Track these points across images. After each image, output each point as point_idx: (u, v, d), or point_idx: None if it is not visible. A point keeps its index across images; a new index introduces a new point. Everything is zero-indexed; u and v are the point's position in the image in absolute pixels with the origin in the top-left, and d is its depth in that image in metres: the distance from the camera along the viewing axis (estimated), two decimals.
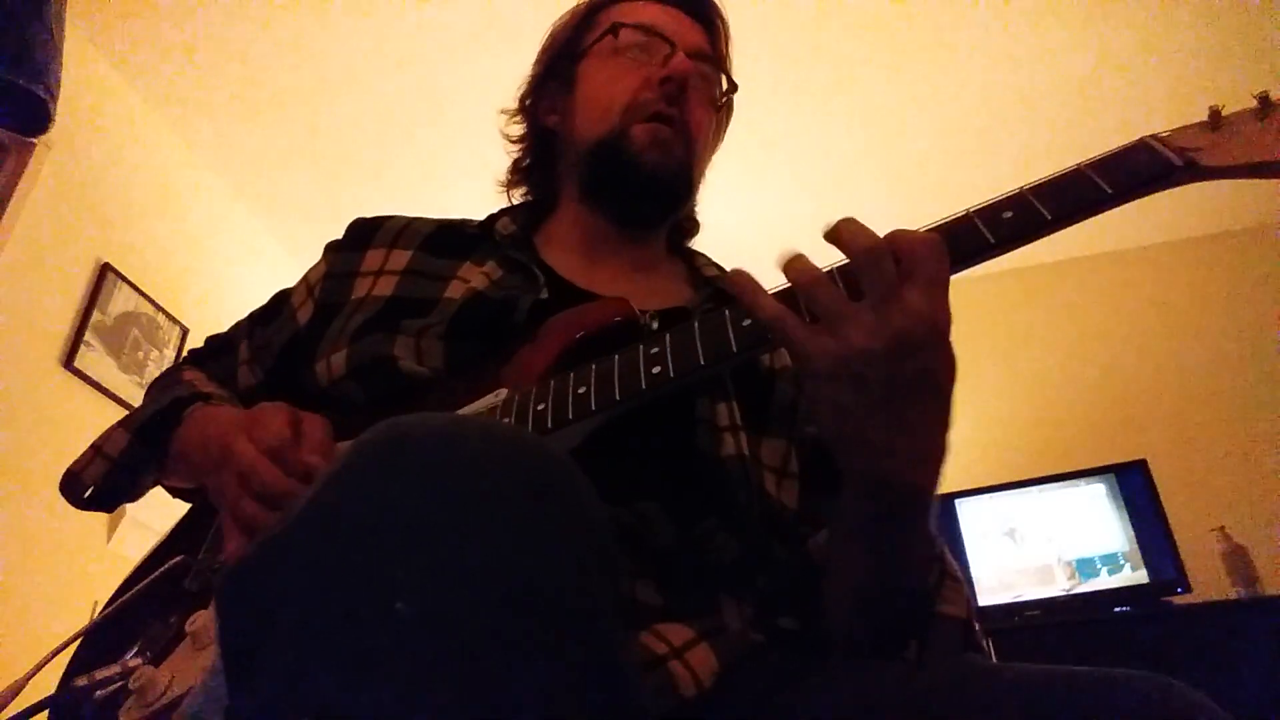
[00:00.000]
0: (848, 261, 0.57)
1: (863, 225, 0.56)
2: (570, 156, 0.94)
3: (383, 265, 0.91)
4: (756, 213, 3.29)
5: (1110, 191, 0.57)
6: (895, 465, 0.57)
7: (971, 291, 3.65)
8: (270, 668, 0.38)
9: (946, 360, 0.56)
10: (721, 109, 0.99)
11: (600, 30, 0.94)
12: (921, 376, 0.55)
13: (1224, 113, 0.55)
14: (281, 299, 0.98)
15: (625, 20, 0.93)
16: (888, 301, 0.54)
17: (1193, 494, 3.05)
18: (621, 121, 0.88)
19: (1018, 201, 0.60)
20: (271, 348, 0.94)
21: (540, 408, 0.68)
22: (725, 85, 0.97)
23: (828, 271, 0.58)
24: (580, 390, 0.66)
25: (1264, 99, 0.54)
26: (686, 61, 0.88)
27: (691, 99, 0.90)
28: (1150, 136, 0.59)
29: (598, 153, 0.90)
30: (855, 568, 0.66)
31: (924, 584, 0.67)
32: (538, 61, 1.01)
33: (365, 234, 0.95)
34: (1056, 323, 3.64)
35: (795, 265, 0.58)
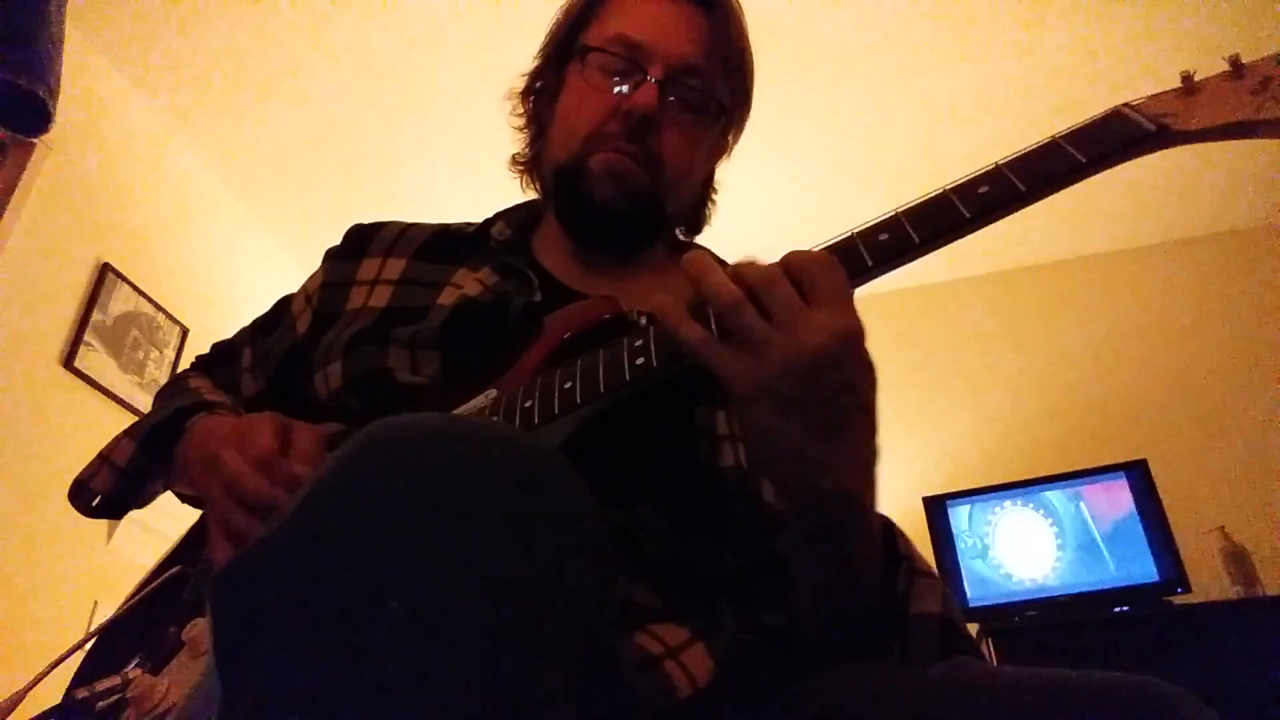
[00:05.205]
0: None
1: (752, 264, 0.58)
2: (546, 171, 0.93)
3: (378, 275, 0.90)
4: (755, 208, 3.29)
5: (1084, 160, 0.57)
6: (830, 478, 0.58)
7: (972, 292, 3.66)
8: (262, 668, 0.38)
9: (865, 369, 0.57)
10: (718, 120, 0.91)
11: (596, 19, 0.90)
12: (844, 389, 0.56)
13: (1196, 78, 0.56)
14: (283, 306, 0.99)
15: (607, 29, 0.87)
16: (795, 321, 0.55)
17: (1193, 494, 3.04)
18: (582, 150, 0.85)
19: (992, 176, 0.61)
20: (273, 356, 0.94)
21: (528, 404, 0.68)
22: (716, 107, 0.89)
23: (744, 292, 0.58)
24: (566, 385, 0.67)
25: (1235, 62, 0.54)
26: (653, 96, 0.82)
27: (666, 124, 0.85)
28: (1124, 105, 0.59)
29: (558, 180, 0.88)
30: (807, 583, 0.66)
31: (890, 586, 0.67)
32: (540, 49, 0.98)
33: (361, 242, 0.95)
34: (1057, 323, 3.63)
35: (714, 285, 0.57)
